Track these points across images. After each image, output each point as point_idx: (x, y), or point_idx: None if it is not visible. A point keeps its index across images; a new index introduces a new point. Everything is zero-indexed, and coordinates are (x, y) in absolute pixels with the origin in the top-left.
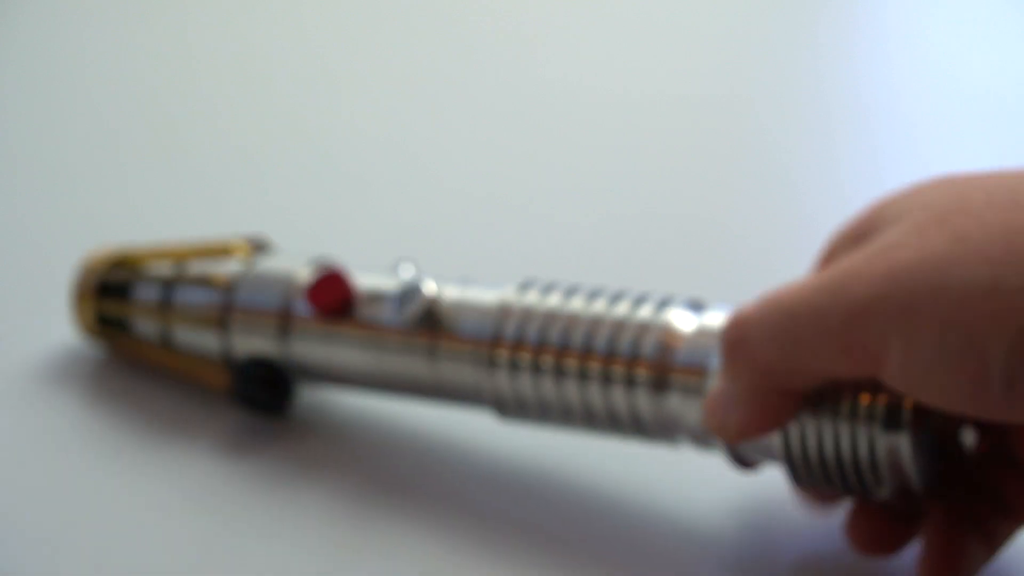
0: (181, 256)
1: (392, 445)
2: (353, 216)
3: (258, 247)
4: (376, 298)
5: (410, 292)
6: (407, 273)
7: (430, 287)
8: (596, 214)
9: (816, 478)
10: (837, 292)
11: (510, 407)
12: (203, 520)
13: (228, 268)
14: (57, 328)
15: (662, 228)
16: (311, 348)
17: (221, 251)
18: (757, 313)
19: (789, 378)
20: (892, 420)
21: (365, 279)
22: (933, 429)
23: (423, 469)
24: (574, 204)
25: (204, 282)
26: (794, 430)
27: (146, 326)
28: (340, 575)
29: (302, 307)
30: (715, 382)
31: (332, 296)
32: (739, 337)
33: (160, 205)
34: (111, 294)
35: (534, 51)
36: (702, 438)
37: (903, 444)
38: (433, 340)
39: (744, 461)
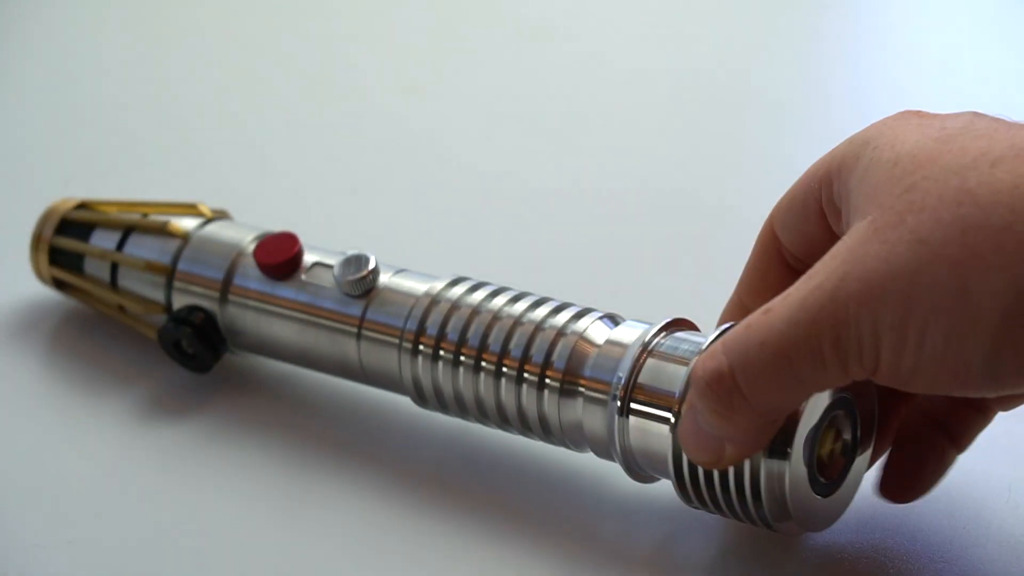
0: (145, 208)
1: (326, 399)
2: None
3: (220, 216)
4: (320, 266)
5: (353, 260)
6: (353, 251)
7: (372, 261)
8: (597, 211)
9: (703, 499)
10: (819, 319)
11: (428, 397)
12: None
13: (186, 224)
14: (19, 280)
15: (663, 226)
16: (245, 316)
17: (185, 210)
18: (742, 360)
19: (791, 407)
20: (776, 449)
21: (316, 253)
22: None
23: (360, 422)
24: (575, 200)
25: (161, 231)
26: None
27: (97, 268)
28: (279, 528)
29: (244, 275)
30: (689, 419)
31: (280, 254)
32: (730, 388)
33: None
34: (70, 233)
35: (536, 43)
36: (602, 449)
37: (784, 472)
38: (360, 321)
39: (641, 477)
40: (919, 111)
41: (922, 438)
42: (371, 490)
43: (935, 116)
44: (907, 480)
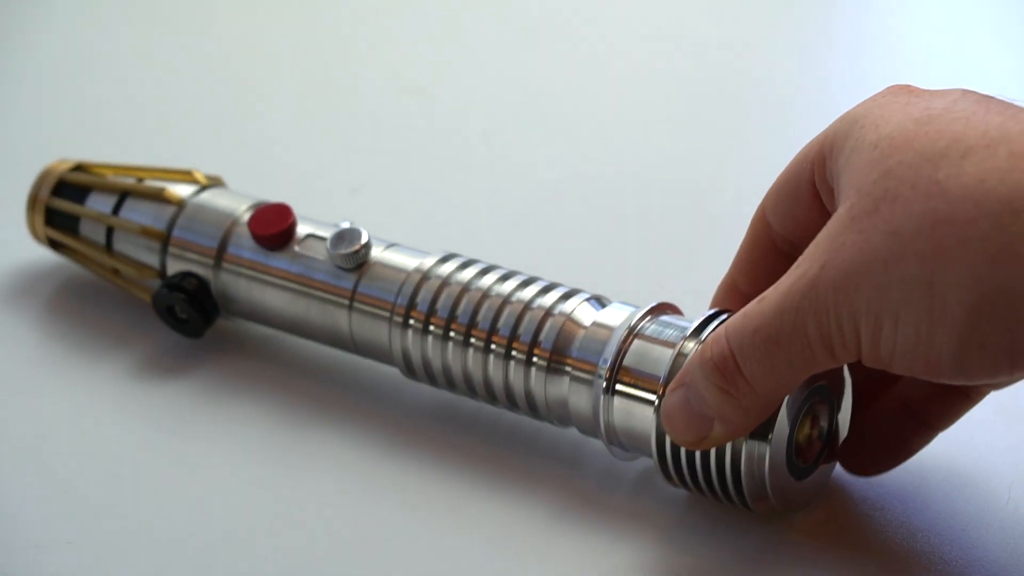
0: (140, 173)
1: (315, 363)
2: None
3: (214, 183)
4: (313, 238)
5: (345, 233)
6: (346, 225)
7: (364, 235)
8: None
9: (683, 478)
10: (802, 307)
11: (416, 370)
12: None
13: (182, 191)
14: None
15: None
16: (238, 284)
17: (180, 176)
18: (739, 345)
19: (787, 390)
20: (758, 432)
21: (309, 224)
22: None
23: (349, 384)
24: (565, 184)
25: (157, 196)
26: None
27: (93, 230)
28: (270, 481)
29: (238, 243)
30: (679, 399)
31: (274, 225)
32: (733, 370)
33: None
34: (66, 195)
35: (535, 32)
36: (586, 426)
37: (764, 454)
38: (352, 294)
39: (622, 454)
40: (910, 87)
41: (888, 418)
42: (360, 445)
43: (923, 93)
44: (866, 456)
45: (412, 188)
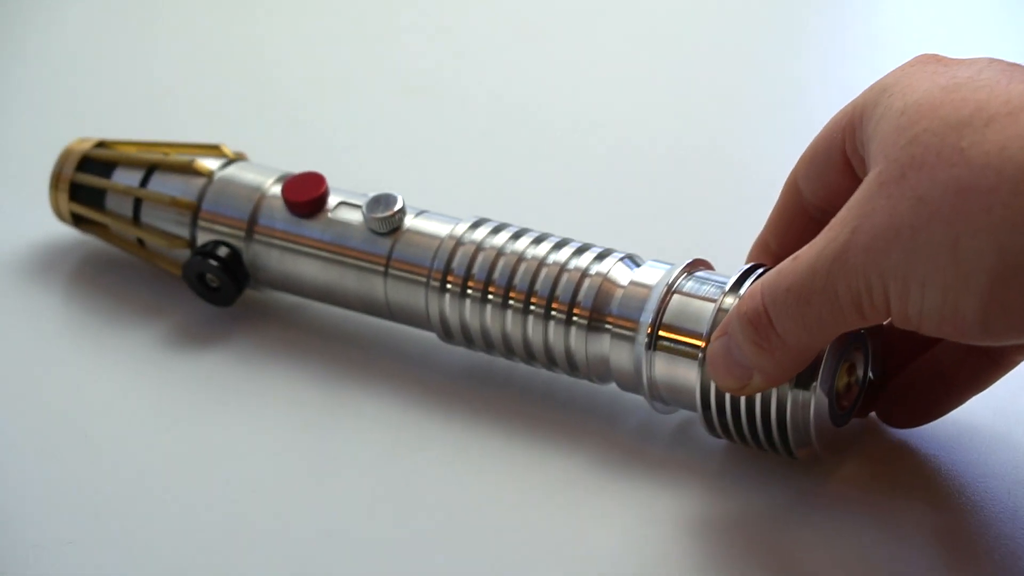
0: (164, 149)
1: (346, 330)
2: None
3: (239, 158)
4: (346, 205)
5: (381, 198)
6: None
7: (399, 200)
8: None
9: (727, 428)
10: (833, 269)
11: (454, 334)
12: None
13: (211, 163)
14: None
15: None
16: (270, 254)
17: (206, 150)
18: (773, 302)
19: (819, 346)
20: (802, 381)
21: (340, 194)
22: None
23: (382, 349)
24: (592, 143)
25: (186, 169)
26: (712, 384)
27: (119, 204)
28: (308, 451)
29: (270, 214)
30: (721, 347)
31: (307, 192)
32: (766, 325)
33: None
34: (91, 171)
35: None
36: (627, 382)
37: (808, 402)
38: (388, 260)
39: (662, 408)
40: (937, 55)
41: (921, 379)
42: (396, 409)
43: (951, 63)
44: (899, 412)
45: (442, 156)
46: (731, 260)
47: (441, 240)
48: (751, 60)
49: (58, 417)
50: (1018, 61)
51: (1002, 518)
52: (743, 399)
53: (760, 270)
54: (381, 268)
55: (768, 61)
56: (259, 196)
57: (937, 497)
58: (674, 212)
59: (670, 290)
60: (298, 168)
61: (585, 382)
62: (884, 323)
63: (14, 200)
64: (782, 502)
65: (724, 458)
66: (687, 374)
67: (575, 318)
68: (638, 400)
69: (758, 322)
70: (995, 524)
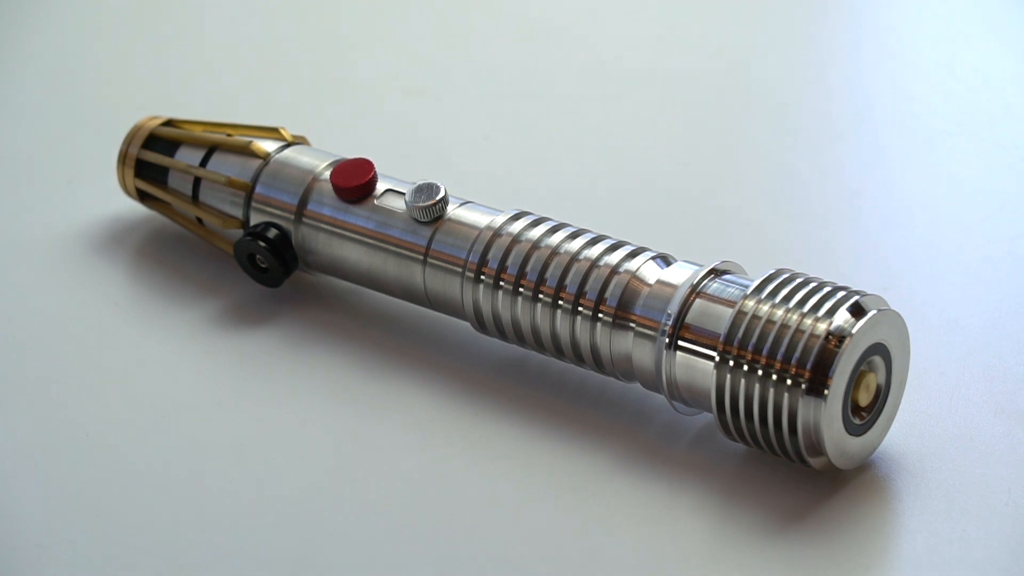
0: (228, 129)
1: (389, 315)
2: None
3: (299, 141)
4: (392, 192)
5: (424, 188)
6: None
7: (442, 189)
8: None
9: (742, 432)
10: None
11: (487, 324)
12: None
13: (269, 146)
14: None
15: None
16: (317, 237)
17: (267, 133)
18: None
19: None
20: (814, 388)
21: (388, 181)
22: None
23: (422, 335)
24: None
25: (244, 150)
26: (726, 387)
27: (180, 182)
28: (351, 435)
29: (319, 199)
30: None
31: (356, 178)
32: None
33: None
34: (156, 149)
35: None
36: (649, 381)
37: (819, 409)
38: (427, 249)
39: (683, 409)
40: None
41: None
42: (435, 393)
43: None
44: None
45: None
46: (763, 262)
47: (479, 231)
48: (788, 60)
49: (109, 385)
50: (1018, 61)
51: (1003, 518)
52: (756, 403)
53: (784, 275)
54: (420, 256)
55: (805, 60)
56: (311, 180)
57: (942, 501)
58: (716, 214)
59: (694, 291)
60: (354, 154)
61: (614, 380)
62: None
63: (90, 174)
64: (798, 509)
65: (743, 462)
66: (704, 376)
67: (601, 315)
68: (664, 401)
69: None
70: (996, 524)
